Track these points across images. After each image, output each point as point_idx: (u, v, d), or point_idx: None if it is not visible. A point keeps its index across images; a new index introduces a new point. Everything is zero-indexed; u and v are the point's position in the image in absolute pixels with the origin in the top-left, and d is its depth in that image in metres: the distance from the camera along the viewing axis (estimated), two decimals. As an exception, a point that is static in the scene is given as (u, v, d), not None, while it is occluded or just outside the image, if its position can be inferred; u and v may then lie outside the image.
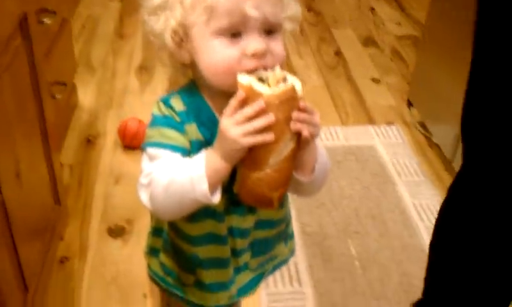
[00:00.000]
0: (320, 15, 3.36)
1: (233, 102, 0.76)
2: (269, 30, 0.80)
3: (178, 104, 0.84)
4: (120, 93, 2.47)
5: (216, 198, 0.80)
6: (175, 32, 0.81)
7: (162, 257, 1.00)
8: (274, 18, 0.79)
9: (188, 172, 0.78)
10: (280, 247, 1.04)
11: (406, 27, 3.25)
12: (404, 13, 3.42)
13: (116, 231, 1.75)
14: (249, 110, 0.75)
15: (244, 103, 0.76)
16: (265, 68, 0.79)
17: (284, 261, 1.10)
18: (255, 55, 0.78)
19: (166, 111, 0.84)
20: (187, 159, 0.81)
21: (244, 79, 0.77)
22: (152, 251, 1.03)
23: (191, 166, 0.79)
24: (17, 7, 1.35)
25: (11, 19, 1.31)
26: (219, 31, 0.78)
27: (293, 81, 0.78)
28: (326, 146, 2.17)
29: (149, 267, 1.05)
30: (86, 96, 2.41)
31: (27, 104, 1.43)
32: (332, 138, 2.23)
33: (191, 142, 0.84)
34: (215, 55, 0.79)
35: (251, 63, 0.78)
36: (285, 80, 0.77)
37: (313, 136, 0.80)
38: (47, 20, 1.75)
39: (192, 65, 0.85)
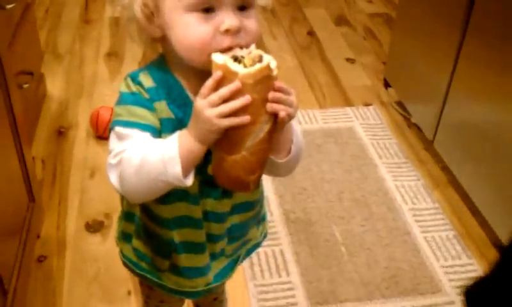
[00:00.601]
0: (291, -6, 3.31)
1: (209, 82, 0.73)
2: (243, 6, 0.77)
3: (147, 80, 0.81)
4: (89, 81, 2.38)
5: (189, 181, 0.77)
6: (144, 4, 0.78)
7: (135, 242, 0.97)
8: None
9: (160, 152, 0.75)
10: (253, 231, 1.03)
11: (378, 4, 3.23)
12: (374, -10, 3.40)
13: (95, 226, 1.69)
14: (224, 90, 0.72)
15: (219, 83, 0.73)
16: (240, 47, 0.77)
17: (257, 245, 1.08)
18: (228, 32, 0.76)
19: (134, 88, 0.81)
20: (159, 140, 0.78)
21: (218, 58, 0.74)
22: (124, 237, 1.00)
23: (164, 147, 0.76)
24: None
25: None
26: (192, 6, 0.75)
27: (268, 60, 0.74)
28: (304, 129, 2.14)
29: (121, 252, 1.02)
30: (55, 85, 2.32)
31: (-6, 97, 1.36)
32: (310, 121, 2.19)
33: (161, 120, 0.81)
34: (188, 31, 0.76)
35: (225, 40, 0.76)
36: (260, 60, 0.74)
37: (290, 117, 0.78)
38: (8, 6, 1.66)
39: (163, 40, 0.81)
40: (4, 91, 1.42)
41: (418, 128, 2.12)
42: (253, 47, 0.76)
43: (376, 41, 2.84)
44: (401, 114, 2.26)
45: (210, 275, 0.98)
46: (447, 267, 1.60)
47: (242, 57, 0.74)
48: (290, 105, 0.77)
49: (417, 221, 1.75)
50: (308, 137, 2.08)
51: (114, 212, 1.72)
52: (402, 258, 1.63)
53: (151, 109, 0.80)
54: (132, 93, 0.80)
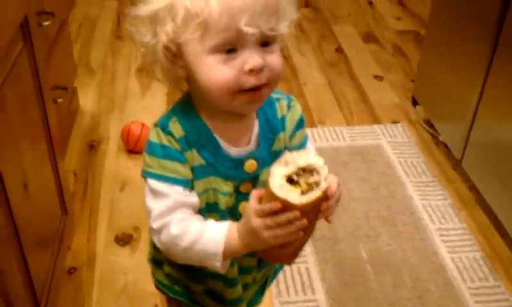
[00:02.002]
0: (319, 10, 3.33)
1: (266, 208, 0.74)
2: (265, 42, 0.77)
3: (177, 130, 0.82)
4: (120, 95, 2.43)
5: (224, 269, 0.82)
6: (167, 48, 0.78)
7: (167, 268, 0.99)
8: (270, 31, 0.76)
9: (206, 245, 0.80)
10: None
11: (406, 22, 3.23)
12: (403, 7, 3.40)
13: (124, 239, 1.72)
14: (282, 219, 0.73)
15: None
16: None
17: (281, 266, 1.11)
18: (252, 72, 0.76)
19: (165, 139, 0.81)
20: (208, 226, 0.81)
21: (276, 184, 0.73)
22: (155, 262, 1.02)
23: (211, 240, 0.80)
24: (19, 10, 1.32)
25: (13, 22, 1.27)
26: (214, 47, 0.75)
27: (322, 171, 0.75)
28: (332, 146, 2.15)
29: (153, 275, 1.04)
30: (87, 99, 2.38)
31: (30, 111, 1.40)
32: (338, 138, 2.20)
33: (192, 168, 0.83)
34: (212, 74, 0.76)
35: (249, 80, 0.76)
36: (317, 184, 0.74)
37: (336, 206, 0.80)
38: (46, 23, 1.72)
39: (188, 80, 0.82)
40: (40, 106, 1.46)
41: (446, 147, 2.11)
42: (303, 154, 0.77)
43: (404, 58, 2.84)
44: (429, 133, 2.25)
45: (244, 304, 1.00)
46: (474, 288, 1.59)
47: (298, 176, 0.75)
48: (337, 200, 0.80)
49: (444, 241, 1.74)
50: (335, 154, 2.09)
51: (143, 226, 1.76)
52: (428, 278, 1.62)
53: (182, 160, 0.81)
54: (163, 146, 0.81)
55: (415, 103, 2.36)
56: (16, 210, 1.17)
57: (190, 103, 0.85)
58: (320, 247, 1.70)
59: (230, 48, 0.75)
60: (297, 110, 0.92)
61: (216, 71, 0.75)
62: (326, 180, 0.75)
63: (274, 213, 0.73)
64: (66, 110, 2.09)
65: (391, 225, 1.80)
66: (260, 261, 0.97)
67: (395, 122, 2.33)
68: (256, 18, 0.73)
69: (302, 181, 0.74)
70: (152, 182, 0.82)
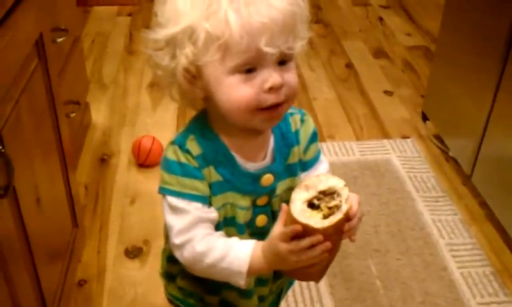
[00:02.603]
0: (329, 26, 3.35)
1: (289, 231, 0.76)
2: (283, 60, 0.79)
3: (194, 148, 0.84)
4: (132, 110, 2.46)
5: (246, 285, 0.83)
6: (186, 70, 0.79)
7: (180, 282, 1.00)
8: (288, 50, 0.78)
9: (230, 263, 0.82)
10: None
11: (416, 37, 3.24)
12: (413, 23, 3.41)
13: (134, 252, 1.74)
14: (306, 242, 0.75)
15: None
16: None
17: (293, 280, 1.12)
18: (271, 90, 0.77)
19: (183, 157, 0.83)
20: (232, 244, 0.83)
21: (297, 209, 0.75)
22: (168, 276, 1.03)
23: (235, 259, 0.81)
24: (35, 27, 1.34)
25: (29, 39, 1.30)
26: (235, 68, 0.76)
27: (342, 193, 0.76)
28: (341, 160, 2.15)
29: (166, 289, 1.05)
30: (99, 114, 2.41)
31: (44, 126, 1.42)
32: (347, 153, 2.21)
33: (210, 184, 0.84)
34: (232, 94, 0.78)
35: (269, 99, 0.78)
36: (338, 208, 0.76)
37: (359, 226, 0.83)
38: (60, 39, 1.75)
39: (205, 99, 0.83)
40: (53, 120, 1.48)
41: (456, 162, 2.11)
42: (323, 177, 0.78)
43: (414, 74, 2.85)
44: (439, 148, 2.25)
45: None
46: (483, 304, 1.58)
47: (319, 200, 0.76)
48: (359, 219, 0.82)
49: (454, 256, 1.74)
50: (345, 169, 2.09)
51: (153, 239, 1.77)
52: (438, 293, 1.62)
53: (200, 178, 0.83)
54: (180, 164, 0.83)
55: (424, 118, 2.37)
56: (28, 223, 1.18)
57: (206, 121, 0.86)
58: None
59: (249, 68, 0.76)
60: (311, 124, 0.94)
61: (237, 91, 0.77)
62: (347, 201, 0.76)
63: (297, 237, 0.75)
64: (78, 124, 2.11)
65: (400, 240, 1.80)
66: (276, 273, 0.98)
67: (404, 137, 2.33)
68: (276, 39, 0.75)
69: (323, 205, 0.76)
70: (171, 199, 0.83)
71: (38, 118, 1.37)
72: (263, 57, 0.75)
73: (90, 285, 1.63)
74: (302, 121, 0.93)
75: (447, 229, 1.84)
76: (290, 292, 1.59)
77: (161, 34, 0.79)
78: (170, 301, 1.05)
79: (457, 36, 2.09)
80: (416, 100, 2.59)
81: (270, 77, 0.77)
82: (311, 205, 0.76)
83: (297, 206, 0.75)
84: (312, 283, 1.63)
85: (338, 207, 0.75)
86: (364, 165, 2.14)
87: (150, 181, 2.01)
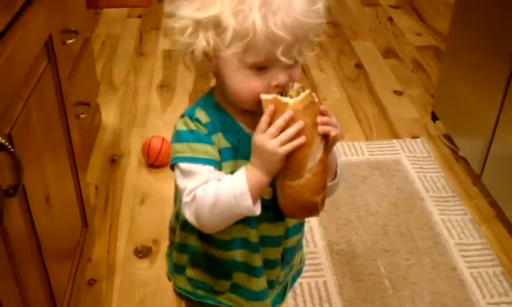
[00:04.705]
0: (339, 26, 3.34)
1: (265, 118, 0.81)
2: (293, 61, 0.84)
3: (203, 116, 0.88)
4: (142, 111, 2.47)
5: (258, 209, 0.85)
6: (205, 53, 0.84)
7: (189, 272, 1.02)
8: (299, 56, 0.84)
9: (231, 189, 0.83)
10: (297, 256, 1.08)
11: (426, 37, 3.22)
12: (423, 23, 3.40)
13: (143, 252, 1.75)
14: (280, 121, 0.80)
15: (272, 117, 0.81)
16: None
17: (299, 272, 1.14)
18: (277, 87, 0.83)
19: (193, 125, 0.87)
20: (227, 176, 0.85)
21: (267, 96, 0.82)
22: (176, 269, 1.05)
23: (234, 183, 0.83)
24: (44, 29, 1.35)
25: (39, 41, 1.31)
26: (250, 65, 0.82)
27: (306, 88, 0.84)
28: (350, 160, 2.15)
29: (175, 285, 1.06)
30: (109, 115, 2.42)
31: (53, 127, 1.43)
32: (356, 153, 2.20)
33: (219, 150, 0.88)
34: (242, 84, 0.84)
35: (273, 92, 0.83)
36: (302, 89, 0.83)
37: (337, 136, 0.85)
38: (70, 41, 1.76)
39: (216, 75, 0.89)
40: (63, 121, 1.49)
41: (466, 162, 2.10)
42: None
43: (424, 73, 2.83)
44: (449, 147, 2.24)
45: (268, 301, 1.03)
46: (493, 304, 1.57)
47: (286, 91, 0.84)
48: (335, 126, 0.85)
49: (464, 256, 1.73)
50: (354, 169, 2.09)
51: (163, 239, 1.78)
52: (447, 293, 1.61)
53: (210, 142, 0.87)
54: (191, 131, 0.87)
55: (434, 118, 2.36)
56: (38, 223, 1.19)
57: (212, 96, 0.92)
58: (338, 261, 1.70)
59: (262, 67, 0.82)
60: None
61: (246, 84, 0.83)
62: (313, 94, 0.83)
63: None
64: (88, 125, 2.13)
65: (410, 240, 1.79)
66: (284, 255, 1.00)
67: (414, 137, 2.32)
68: (290, 49, 0.81)
69: (290, 91, 0.83)
70: (184, 165, 0.86)
71: (48, 118, 1.39)
72: (277, 62, 0.81)
73: (100, 284, 1.64)
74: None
75: (457, 229, 1.84)
76: (298, 291, 1.59)
77: (188, 13, 0.83)
78: (180, 295, 1.06)
79: (466, 35, 2.08)
80: (426, 99, 2.58)
81: (278, 75, 0.82)
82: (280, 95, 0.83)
83: (268, 95, 0.82)
84: (321, 283, 1.63)
85: (303, 89, 0.83)
86: (373, 165, 2.14)
87: (160, 181, 2.02)
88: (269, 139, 0.80)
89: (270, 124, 0.81)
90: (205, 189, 0.84)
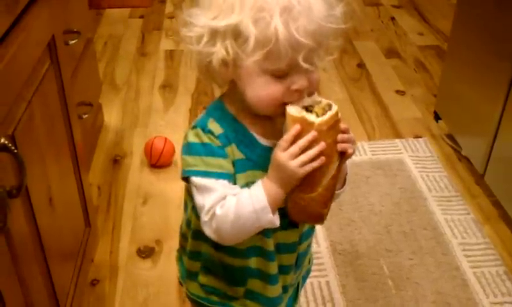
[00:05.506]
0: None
1: (288, 136, 0.81)
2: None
3: (216, 128, 0.87)
4: (144, 111, 2.47)
5: (278, 220, 0.85)
6: (223, 61, 0.83)
7: (202, 279, 1.02)
8: (319, 61, 0.84)
9: (251, 206, 0.83)
10: (307, 258, 1.09)
11: (429, 37, 3.22)
12: (425, 22, 3.39)
13: (146, 252, 1.75)
14: (303, 142, 0.80)
15: (297, 135, 0.81)
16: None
17: (308, 271, 1.14)
18: (297, 91, 0.83)
19: (206, 138, 0.86)
20: (244, 191, 0.85)
21: (293, 111, 0.82)
22: (188, 275, 1.04)
23: (253, 199, 0.83)
24: (47, 30, 1.36)
25: (41, 42, 1.31)
26: (270, 72, 0.81)
27: (335, 106, 0.84)
28: (353, 160, 2.13)
29: (188, 291, 1.06)
30: (111, 115, 2.42)
31: (56, 127, 1.43)
32: (359, 153, 2.20)
33: (233, 162, 0.87)
34: (261, 90, 0.83)
35: (293, 96, 0.83)
36: (329, 107, 0.83)
37: (354, 152, 0.86)
38: (72, 41, 1.76)
39: (232, 84, 0.88)
40: (66, 122, 1.50)
41: (469, 162, 2.09)
42: (316, 95, 0.85)
43: (426, 73, 2.83)
44: (451, 147, 2.24)
45: (283, 305, 1.03)
46: (496, 303, 1.57)
47: (312, 107, 0.83)
48: (353, 142, 0.87)
49: (467, 256, 1.73)
50: (357, 169, 2.09)
51: (165, 239, 1.78)
52: (450, 292, 1.61)
53: (224, 156, 0.86)
54: (204, 144, 0.86)
55: (437, 117, 2.35)
56: (41, 223, 1.20)
57: (222, 105, 0.91)
58: (341, 261, 1.70)
59: (282, 72, 0.82)
60: None
61: (266, 89, 0.83)
62: (338, 113, 0.83)
63: (295, 141, 0.81)
64: (91, 125, 2.13)
65: (413, 240, 1.79)
66: (298, 260, 1.01)
67: (417, 137, 2.32)
68: (311, 54, 0.81)
69: (317, 107, 0.83)
70: (198, 180, 0.86)
71: (51, 119, 1.39)
72: (298, 67, 0.81)
73: (103, 285, 1.64)
74: None
75: (460, 228, 1.83)
76: (302, 292, 1.58)
77: (203, 22, 0.82)
78: (193, 301, 1.06)
79: (469, 35, 2.08)
80: (429, 99, 2.57)
81: (298, 80, 0.82)
82: (305, 109, 0.83)
83: (294, 109, 0.82)
84: (323, 283, 1.62)
85: (329, 106, 0.83)
86: (376, 165, 2.13)
87: (162, 181, 2.02)
88: (291, 160, 0.81)
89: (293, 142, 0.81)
90: (224, 207, 0.84)
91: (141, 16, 3.41)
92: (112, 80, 2.71)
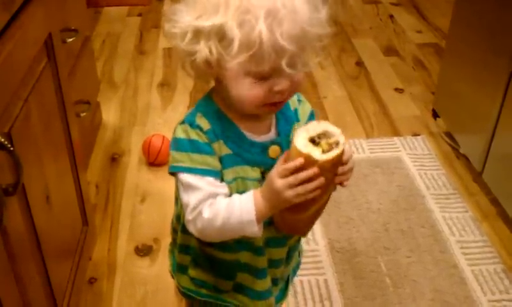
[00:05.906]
0: (339, 24, 3.34)
1: (290, 166, 0.80)
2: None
3: (204, 123, 0.87)
4: (142, 109, 2.47)
5: (261, 232, 0.87)
6: (207, 61, 0.82)
7: (192, 272, 1.02)
8: (304, 66, 0.84)
9: (239, 217, 0.84)
10: (297, 251, 1.10)
11: (427, 34, 3.22)
12: (424, 20, 3.39)
13: (144, 250, 1.75)
14: (303, 176, 0.80)
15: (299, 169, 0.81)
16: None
17: (298, 265, 1.15)
18: (279, 92, 0.83)
19: (193, 134, 0.87)
20: (235, 199, 0.86)
21: (300, 144, 0.80)
22: (179, 268, 1.05)
23: (242, 211, 0.85)
24: (44, 27, 1.35)
25: (38, 39, 1.31)
26: (253, 74, 0.81)
27: (342, 142, 0.82)
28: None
29: (179, 284, 1.07)
30: (110, 113, 2.42)
31: (53, 125, 1.43)
32: (357, 151, 2.20)
33: (220, 158, 0.88)
34: (245, 92, 0.83)
35: (275, 97, 0.83)
36: (336, 144, 0.81)
37: (349, 181, 0.87)
38: (69, 39, 1.76)
39: (217, 80, 0.88)
40: (63, 120, 1.49)
41: (467, 159, 2.09)
42: (323, 123, 0.84)
43: (425, 71, 2.83)
44: (450, 145, 2.24)
45: (273, 299, 1.04)
46: (494, 301, 1.57)
47: (319, 139, 0.82)
48: (351, 170, 0.86)
49: (464, 254, 1.73)
50: (355, 167, 2.08)
51: (163, 237, 1.78)
52: (448, 290, 1.61)
53: (210, 152, 0.87)
54: (191, 141, 0.87)
55: (435, 115, 2.36)
56: (38, 221, 1.19)
57: (212, 101, 0.90)
58: (338, 259, 1.70)
59: (265, 76, 0.82)
60: (308, 106, 1.00)
61: (249, 91, 0.82)
62: (345, 145, 0.82)
63: (296, 171, 0.80)
64: (89, 124, 2.13)
65: (410, 237, 1.79)
66: (289, 254, 1.02)
67: (415, 134, 2.32)
68: (295, 59, 0.81)
69: (323, 142, 0.82)
70: (184, 176, 0.87)
71: (48, 117, 1.38)
72: (281, 70, 0.80)
73: (100, 283, 1.64)
74: (299, 100, 0.98)
75: (458, 226, 1.83)
76: (299, 289, 1.59)
77: (186, 21, 0.82)
78: (183, 294, 1.07)
79: (467, 32, 2.08)
80: (427, 97, 2.57)
81: (281, 82, 0.82)
82: (312, 142, 0.82)
83: (300, 141, 0.81)
84: (321, 281, 1.62)
85: (336, 144, 0.81)
86: (374, 163, 2.13)
87: (160, 180, 2.02)
88: (287, 189, 0.81)
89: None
90: (213, 209, 0.85)
91: (139, 15, 3.41)
92: (111, 79, 2.71)
